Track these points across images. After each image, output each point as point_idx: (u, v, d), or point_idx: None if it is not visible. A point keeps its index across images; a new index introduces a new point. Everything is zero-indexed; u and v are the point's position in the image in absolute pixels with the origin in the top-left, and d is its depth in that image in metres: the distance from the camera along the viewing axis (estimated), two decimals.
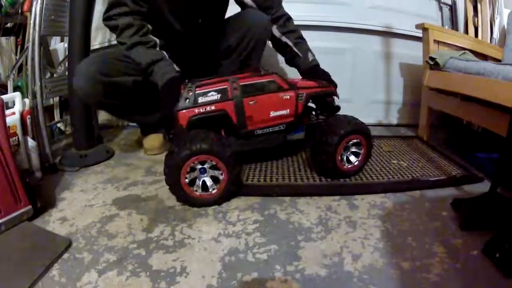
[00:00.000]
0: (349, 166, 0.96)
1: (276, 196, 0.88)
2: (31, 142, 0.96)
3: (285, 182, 0.95)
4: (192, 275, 0.60)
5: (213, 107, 0.90)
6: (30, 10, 1.09)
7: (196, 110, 0.89)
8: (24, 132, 0.94)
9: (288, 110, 0.96)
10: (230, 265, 0.62)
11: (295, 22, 1.52)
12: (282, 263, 0.62)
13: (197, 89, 0.90)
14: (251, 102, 0.92)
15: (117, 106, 1.07)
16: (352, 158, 0.97)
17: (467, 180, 0.95)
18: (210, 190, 0.83)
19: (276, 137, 0.98)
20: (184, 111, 0.89)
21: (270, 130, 0.97)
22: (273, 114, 0.95)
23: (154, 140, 1.25)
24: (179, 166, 0.79)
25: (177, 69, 0.99)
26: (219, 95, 0.91)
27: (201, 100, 0.90)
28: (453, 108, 1.18)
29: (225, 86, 0.91)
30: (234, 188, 0.85)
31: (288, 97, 0.95)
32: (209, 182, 0.83)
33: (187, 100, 0.89)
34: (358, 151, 0.96)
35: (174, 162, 0.79)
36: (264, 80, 0.94)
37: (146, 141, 1.26)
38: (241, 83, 0.92)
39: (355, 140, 0.94)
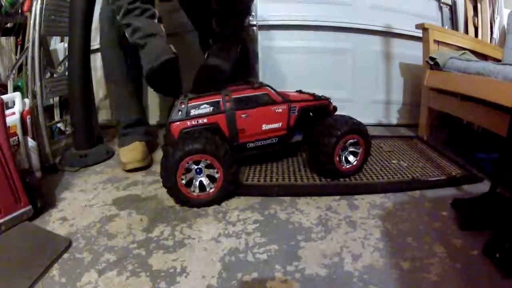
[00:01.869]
0: (348, 166, 0.96)
1: (276, 196, 0.88)
2: (31, 142, 0.96)
3: (285, 182, 0.95)
4: (192, 275, 0.60)
5: (205, 120, 0.90)
6: (30, 10, 1.09)
7: (188, 123, 0.89)
8: (24, 132, 0.94)
9: (280, 124, 0.96)
10: (230, 265, 0.62)
11: (295, 22, 1.53)
12: (282, 263, 0.62)
13: (189, 101, 0.90)
14: (243, 115, 0.92)
15: None
16: (351, 158, 0.97)
17: (467, 180, 0.95)
18: (207, 190, 0.83)
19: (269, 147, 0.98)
20: (176, 123, 0.89)
21: (262, 143, 0.97)
22: (265, 127, 0.95)
23: (134, 150, 1.09)
24: (174, 168, 0.79)
25: (174, 50, 0.93)
26: (211, 108, 0.91)
27: (193, 112, 0.90)
28: (453, 108, 1.18)
29: (218, 99, 0.91)
30: (231, 187, 0.85)
31: (281, 110, 0.95)
32: (205, 181, 0.83)
33: (180, 112, 0.89)
34: (356, 150, 0.96)
35: (168, 164, 0.79)
36: (256, 93, 0.94)
37: (124, 154, 1.09)
38: (233, 96, 0.92)
39: (352, 140, 0.94)
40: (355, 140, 0.94)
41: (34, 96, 1.12)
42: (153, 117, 1.68)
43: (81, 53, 1.11)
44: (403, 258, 0.63)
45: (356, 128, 0.93)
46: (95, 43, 1.55)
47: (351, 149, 0.96)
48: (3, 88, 1.36)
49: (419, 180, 0.96)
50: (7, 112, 0.85)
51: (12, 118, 0.90)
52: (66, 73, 1.17)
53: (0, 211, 0.70)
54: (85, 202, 0.87)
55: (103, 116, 1.68)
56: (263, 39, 1.53)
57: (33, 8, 1.06)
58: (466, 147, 1.21)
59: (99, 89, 1.66)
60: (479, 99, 0.98)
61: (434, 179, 0.96)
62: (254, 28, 1.47)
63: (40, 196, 0.80)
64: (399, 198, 0.87)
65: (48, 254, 0.64)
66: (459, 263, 0.61)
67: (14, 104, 0.94)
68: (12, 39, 1.51)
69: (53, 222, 0.78)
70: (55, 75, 1.29)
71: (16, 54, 1.50)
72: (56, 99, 1.43)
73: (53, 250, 0.65)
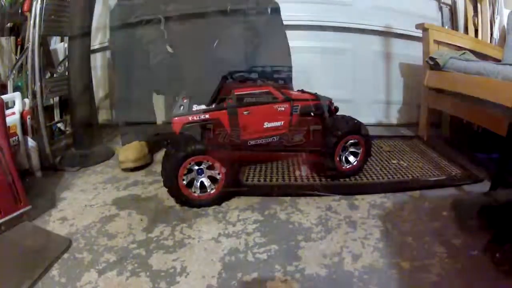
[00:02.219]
0: (348, 166, 0.96)
1: (276, 196, 0.88)
2: (31, 142, 0.96)
3: (285, 182, 0.95)
4: (192, 275, 0.60)
5: (207, 116, 0.90)
6: (30, 10, 1.09)
7: (190, 118, 0.89)
8: (24, 132, 0.94)
9: (282, 122, 0.96)
10: (230, 265, 0.62)
11: (295, 22, 1.52)
12: (282, 263, 0.62)
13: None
14: (245, 112, 0.92)
15: None
16: (351, 158, 0.97)
17: (467, 180, 0.95)
18: (208, 191, 0.83)
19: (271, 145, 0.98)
20: (178, 118, 0.89)
21: (264, 141, 0.96)
22: (267, 125, 0.95)
23: (130, 149, 1.08)
24: (175, 169, 0.79)
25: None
26: (213, 104, 0.91)
27: (195, 108, 0.90)
28: (453, 108, 1.18)
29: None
30: (232, 187, 0.85)
31: (283, 108, 0.95)
32: (207, 182, 0.83)
33: (182, 107, 0.89)
34: (357, 151, 0.96)
35: (170, 164, 0.79)
36: (259, 91, 0.94)
37: (120, 153, 1.09)
38: (236, 93, 0.92)
39: (353, 141, 0.94)
40: (356, 140, 0.94)
41: (34, 96, 1.12)
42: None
43: (81, 53, 1.11)
44: (403, 258, 0.63)
45: (357, 129, 0.93)
46: (95, 43, 1.56)
47: (351, 149, 0.96)
48: (3, 88, 1.36)
49: (419, 180, 0.96)
50: (7, 112, 0.85)
51: (12, 118, 0.90)
52: (66, 73, 1.17)
53: (0, 211, 0.70)
54: (85, 202, 0.87)
55: (103, 116, 1.68)
56: None
57: (33, 8, 1.06)
58: (466, 147, 1.21)
59: (99, 89, 1.65)
60: (479, 99, 0.98)
61: (434, 179, 0.96)
62: None
63: (40, 196, 0.80)
64: (399, 198, 0.87)
65: (48, 254, 0.64)
66: (459, 263, 0.61)
67: (14, 104, 0.94)
68: (12, 39, 1.51)
69: (53, 222, 0.77)
70: (55, 75, 1.29)
71: (16, 54, 1.50)
72: (56, 99, 1.43)
73: (53, 250, 0.65)
